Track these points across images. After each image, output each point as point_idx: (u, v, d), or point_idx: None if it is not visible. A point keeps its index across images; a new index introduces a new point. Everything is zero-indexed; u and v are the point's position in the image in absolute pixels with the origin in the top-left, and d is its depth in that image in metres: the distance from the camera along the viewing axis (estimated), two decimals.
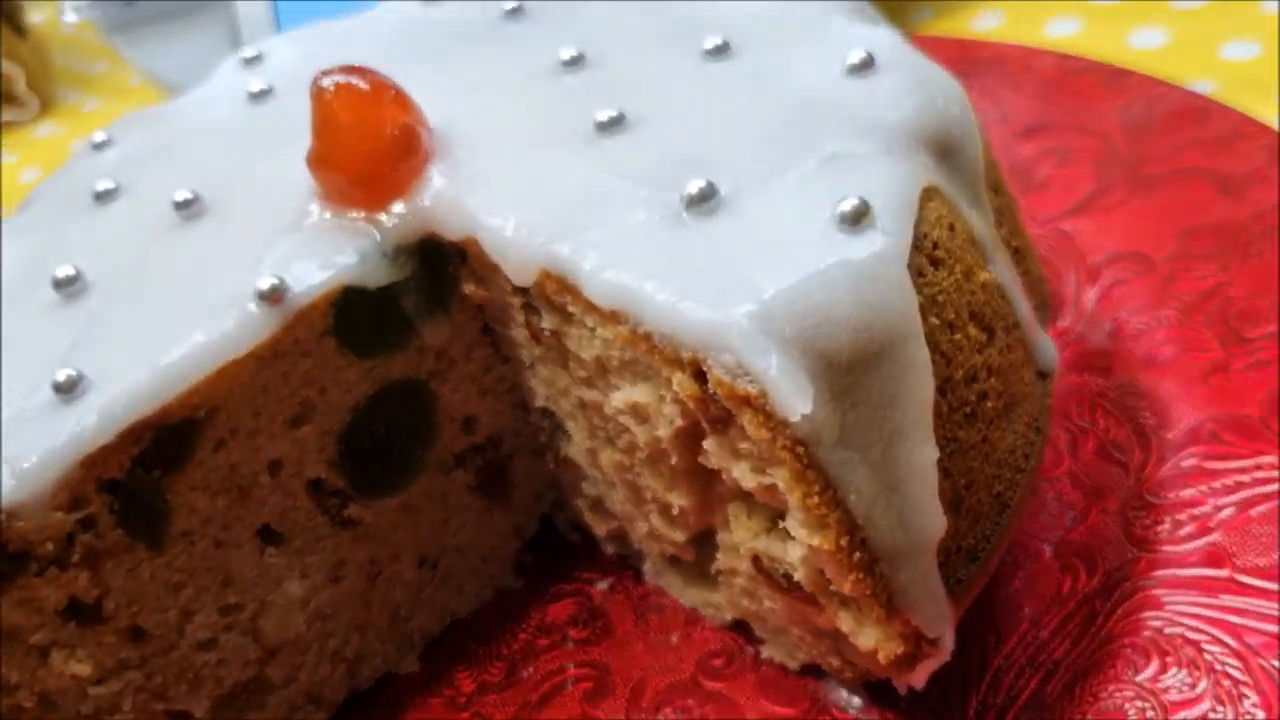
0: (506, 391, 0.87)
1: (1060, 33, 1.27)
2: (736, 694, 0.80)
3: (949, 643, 0.69)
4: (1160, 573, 0.76)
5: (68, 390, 0.73)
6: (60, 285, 0.82)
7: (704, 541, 0.81)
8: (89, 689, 0.76)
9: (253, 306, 0.76)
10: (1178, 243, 0.94)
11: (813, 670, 0.80)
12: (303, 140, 0.89)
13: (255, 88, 0.97)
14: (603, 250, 0.71)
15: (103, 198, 0.91)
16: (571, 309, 0.73)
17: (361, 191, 0.80)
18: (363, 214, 0.80)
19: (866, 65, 0.77)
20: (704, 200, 0.70)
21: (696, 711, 0.80)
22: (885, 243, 0.66)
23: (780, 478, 0.65)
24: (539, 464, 0.91)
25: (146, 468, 0.74)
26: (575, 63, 0.87)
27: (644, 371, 0.71)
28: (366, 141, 0.80)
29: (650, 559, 0.87)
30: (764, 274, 0.66)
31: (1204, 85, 1.13)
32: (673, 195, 0.72)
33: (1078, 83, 1.10)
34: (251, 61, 1.03)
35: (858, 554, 0.65)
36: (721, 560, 0.78)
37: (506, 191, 0.78)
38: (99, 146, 0.99)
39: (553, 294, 0.74)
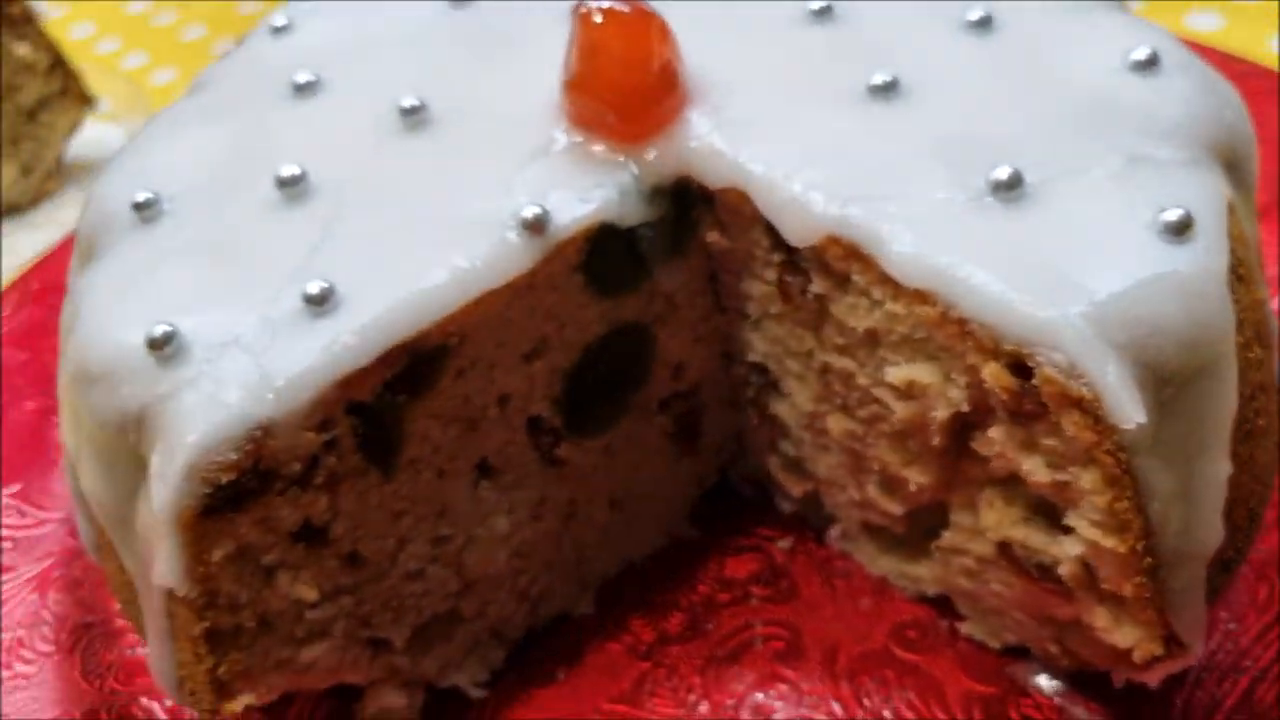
0: (717, 341, 0.85)
1: (1200, 27, 1.28)
2: (934, 668, 0.81)
3: (1199, 648, 0.70)
4: None
5: (319, 303, 0.69)
6: (285, 184, 0.77)
7: (919, 515, 0.81)
8: (305, 612, 0.73)
9: (513, 235, 0.73)
10: None
11: (1012, 651, 0.81)
12: (521, 55, 0.87)
13: None
14: (910, 225, 0.69)
15: (303, 90, 0.86)
16: (856, 278, 0.72)
17: (621, 124, 0.77)
18: (615, 147, 0.77)
19: (1151, 63, 0.76)
20: (1011, 188, 0.69)
21: (895, 683, 0.80)
22: (1209, 257, 0.66)
23: (1089, 479, 0.65)
24: (730, 416, 0.89)
25: (393, 392, 0.71)
26: (824, 14, 0.84)
27: (931, 351, 0.70)
28: (634, 73, 0.77)
29: (843, 524, 0.87)
30: (1090, 275, 0.65)
31: None
32: (975, 177, 0.70)
33: (1245, 86, 1.10)
34: None
35: (1147, 559, 0.66)
36: (950, 538, 0.78)
37: (783, 146, 0.75)
38: (279, 31, 0.93)
39: (835, 259, 0.72)
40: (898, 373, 0.72)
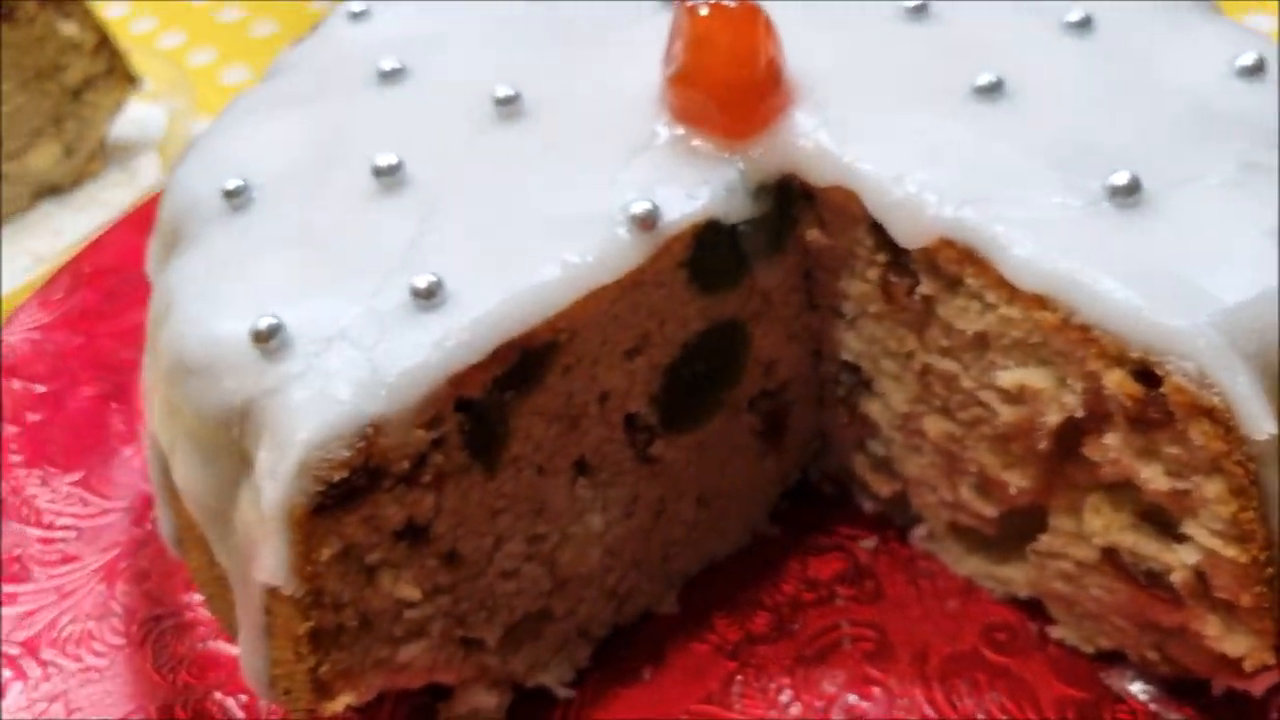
0: (808, 339, 0.85)
1: (1257, 28, 1.28)
2: (1025, 672, 0.80)
3: None
4: None
5: (428, 296, 0.68)
6: (381, 174, 0.76)
7: (1012, 518, 0.81)
8: (404, 611, 0.72)
9: (623, 230, 0.72)
10: None
11: (1104, 656, 0.80)
12: (611, 46, 0.86)
13: None
14: (1028, 230, 0.68)
15: (389, 78, 0.84)
16: (969, 281, 0.71)
17: (726, 119, 0.76)
18: (718, 142, 0.76)
19: (1258, 69, 0.76)
20: (1129, 193, 0.69)
21: (987, 686, 0.80)
22: None
23: (1213, 489, 0.64)
24: (816, 414, 0.89)
25: (501, 388, 0.70)
26: (919, 12, 0.83)
27: (1046, 356, 0.70)
28: (743, 68, 0.76)
29: (929, 524, 0.86)
30: (1216, 284, 0.65)
31: None
32: (1091, 182, 0.70)
33: None
34: None
35: (1269, 569, 0.66)
36: (1048, 541, 0.77)
37: (891, 146, 0.75)
38: (356, 17, 0.92)
39: (946, 262, 0.72)
40: (1008, 377, 0.72)
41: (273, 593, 0.69)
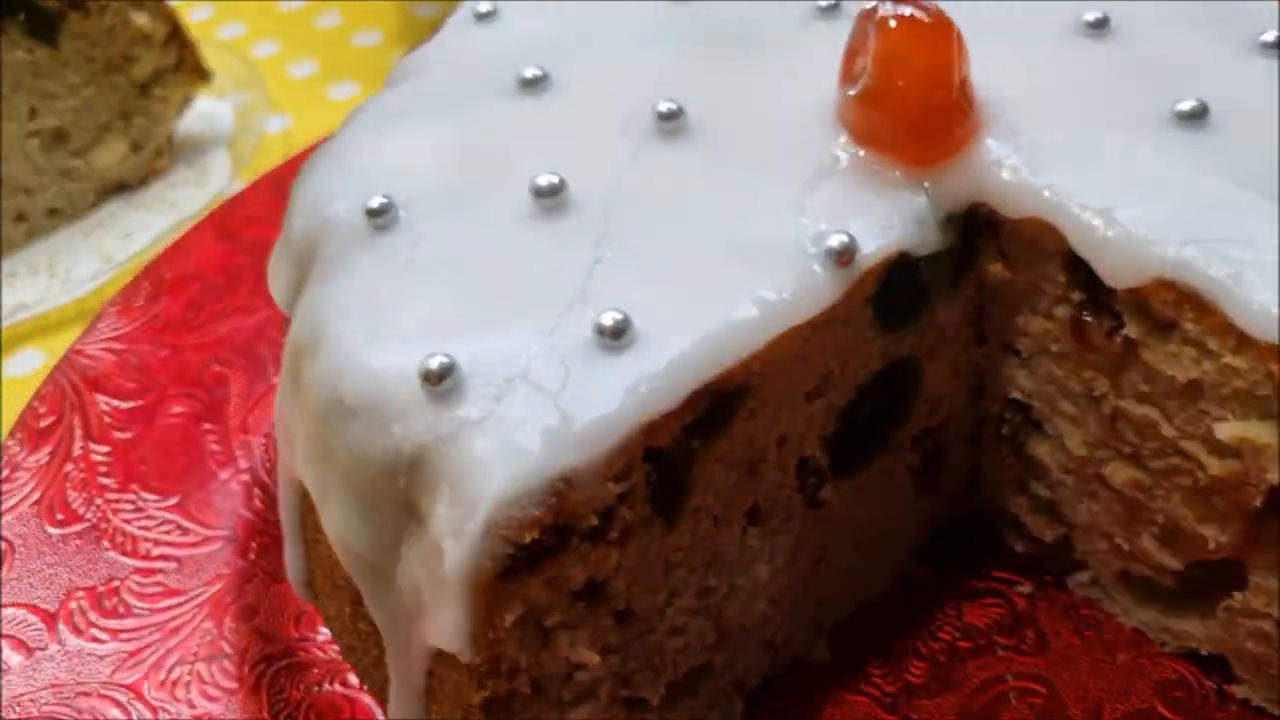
0: (970, 375, 0.80)
1: None
2: None
3: None
4: None
5: (615, 336, 0.63)
6: (542, 194, 0.70)
7: (1195, 570, 0.76)
8: (575, 674, 0.67)
9: (817, 266, 0.66)
10: None
11: None
12: (767, 58, 0.81)
13: None
14: (1262, 273, 0.64)
15: (531, 86, 0.79)
16: (1188, 326, 0.66)
17: (915, 144, 0.71)
18: (903, 168, 0.71)
19: None
20: None
21: None
22: None
23: None
24: (969, 452, 0.84)
25: (689, 436, 0.64)
26: (1100, 27, 0.78)
27: (1273, 410, 0.65)
28: (936, 89, 0.70)
29: (1094, 570, 0.82)
30: None
31: None
32: None
33: None
34: None
35: None
36: (1245, 600, 0.73)
37: (1093, 176, 0.70)
38: (483, 17, 0.86)
39: (1161, 305, 0.67)
40: (1227, 429, 0.67)
41: (440, 655, 0.64)
